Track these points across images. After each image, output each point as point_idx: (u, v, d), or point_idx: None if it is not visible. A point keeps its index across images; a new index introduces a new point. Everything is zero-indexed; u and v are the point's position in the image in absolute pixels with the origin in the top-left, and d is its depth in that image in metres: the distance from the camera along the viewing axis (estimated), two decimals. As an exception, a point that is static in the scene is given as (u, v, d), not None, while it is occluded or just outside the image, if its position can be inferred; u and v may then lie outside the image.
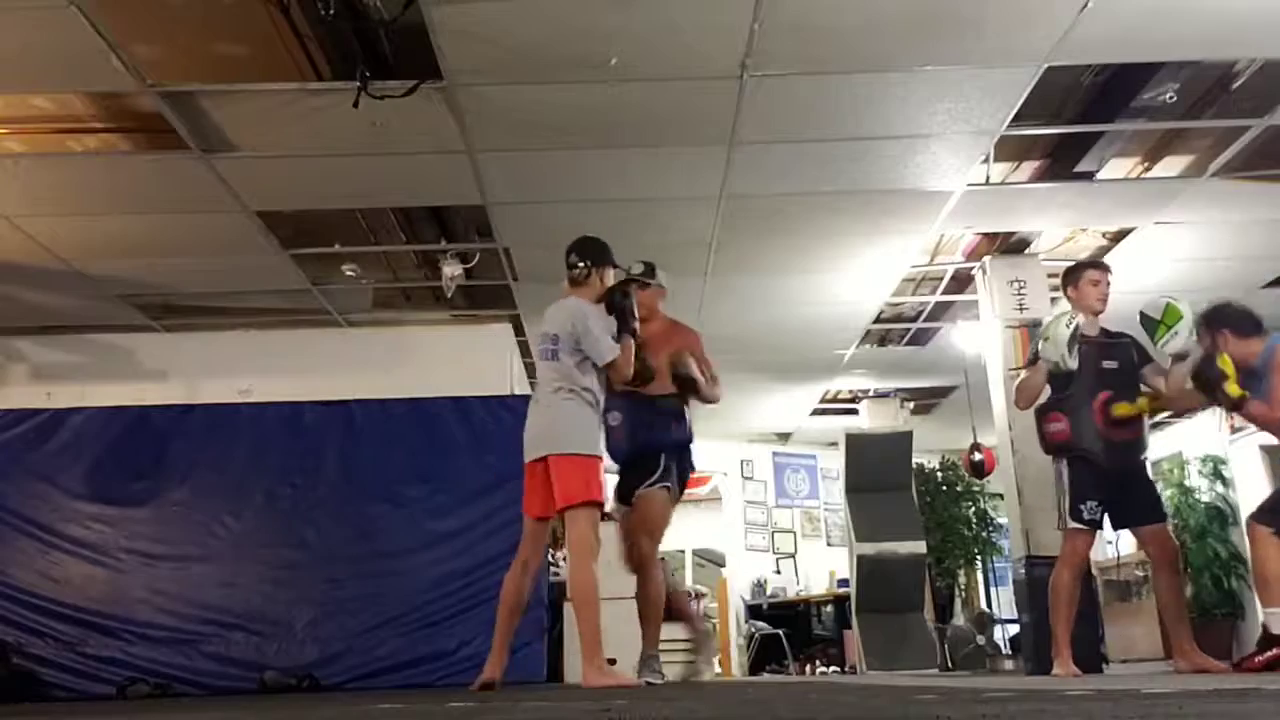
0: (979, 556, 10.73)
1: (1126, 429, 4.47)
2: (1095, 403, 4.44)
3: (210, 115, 4.73)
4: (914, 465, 8.98)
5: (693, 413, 4.54)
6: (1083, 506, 4.47)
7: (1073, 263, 5.05)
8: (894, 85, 4.71)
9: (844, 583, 9.16)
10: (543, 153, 5.20)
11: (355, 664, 6.18)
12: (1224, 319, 4.30)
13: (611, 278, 4.31)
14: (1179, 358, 4.41)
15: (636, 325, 4.15)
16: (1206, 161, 5.55)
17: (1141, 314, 4.50)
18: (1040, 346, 4.58)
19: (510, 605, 4.17)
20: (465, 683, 5.99)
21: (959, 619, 10.17)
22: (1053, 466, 4.64)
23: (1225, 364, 4.19)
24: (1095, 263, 4.97)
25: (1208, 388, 4.26)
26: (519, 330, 7.63)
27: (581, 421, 4.03)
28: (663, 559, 4.77)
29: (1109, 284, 4.71)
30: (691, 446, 4.55)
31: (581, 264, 4.24)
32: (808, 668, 9.13)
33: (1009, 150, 5.46)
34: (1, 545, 6.41)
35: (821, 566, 10.89)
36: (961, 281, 7.28)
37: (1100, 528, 4.57)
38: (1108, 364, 4.52)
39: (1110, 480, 4.49)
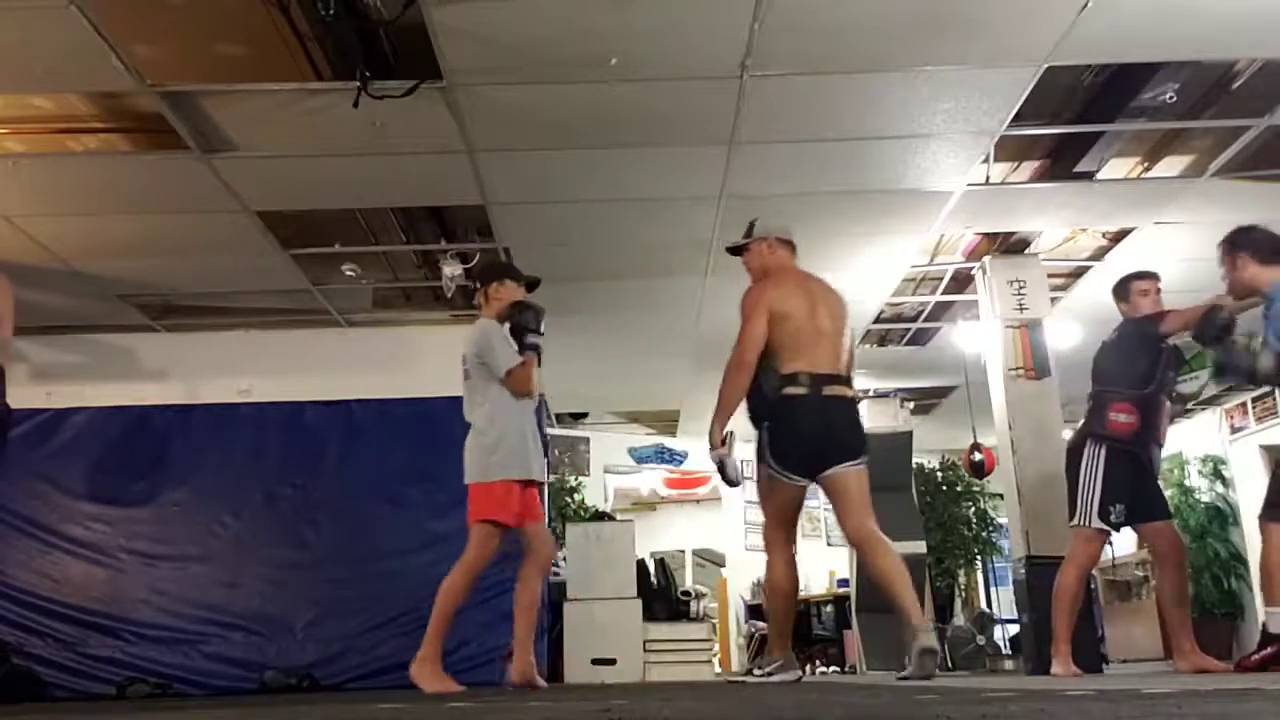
0: (979, 556, 10.74)
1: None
2: (1162, 408, 4.47)
3: (210, 115, 4.73)
4: (914, 465, 8.98)
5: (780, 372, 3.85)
6: (1112, 509, 4.42)
7: (1121, 276, 4.93)
8: (894, 85, 4.71)
9: (844, 583, 9.15)
10: (543, 153, 5.20)
11: (355, 664, 6.18)
12: (1247, 242, 4.14)
13: (510, 289, 4.44)
14: (1182, 398, 4.53)
15: (535, 340, 4.29)
16: (1206, 162, 5.55)
17: (1177, 349, 4.63)
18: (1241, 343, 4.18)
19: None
20: (465, 683, 6.01)
21: (959, 619, 10.17)
22: (1086, 455, 4.52)
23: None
24: (1143, 273, 4.86)
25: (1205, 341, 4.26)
26: (519, 330, 7.63)
27: (474, 453, 4.24)
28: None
29: (1159, 291, 4.70)
30: (782, 410, 3.87)
31: (474, 287, 4.46)
32: (808, 668, 9.12)
33: (1009, 150, 5.46)
34: (2, 545, 6.42)
35: (821, 566, 10.88)
36: (961, 281, 7.28)
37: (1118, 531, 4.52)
38: (1172, 374, 4.55)
39: (1138, 481, 4.47)
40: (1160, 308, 4.66)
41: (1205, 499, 10.03)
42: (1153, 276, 4.80)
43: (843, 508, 3.90)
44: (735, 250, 4.38)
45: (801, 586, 10.82)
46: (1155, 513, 4.56)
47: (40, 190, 5.37)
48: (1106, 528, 4.45)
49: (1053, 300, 7.08)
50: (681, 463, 11.49)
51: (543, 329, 4.35)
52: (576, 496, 10.20)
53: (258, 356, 7.25)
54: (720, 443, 3.97)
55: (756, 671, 3.95)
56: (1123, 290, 4.78)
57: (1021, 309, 6.66)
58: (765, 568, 4.05)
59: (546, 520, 4.67)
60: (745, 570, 10.82)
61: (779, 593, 4.00)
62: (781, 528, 3.99)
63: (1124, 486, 4.43)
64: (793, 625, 4.14)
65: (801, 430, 3.89)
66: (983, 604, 10.87)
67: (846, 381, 3.99)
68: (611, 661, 6.33)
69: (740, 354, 3.95)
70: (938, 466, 10.68)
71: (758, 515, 13.01)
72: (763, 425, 3.95)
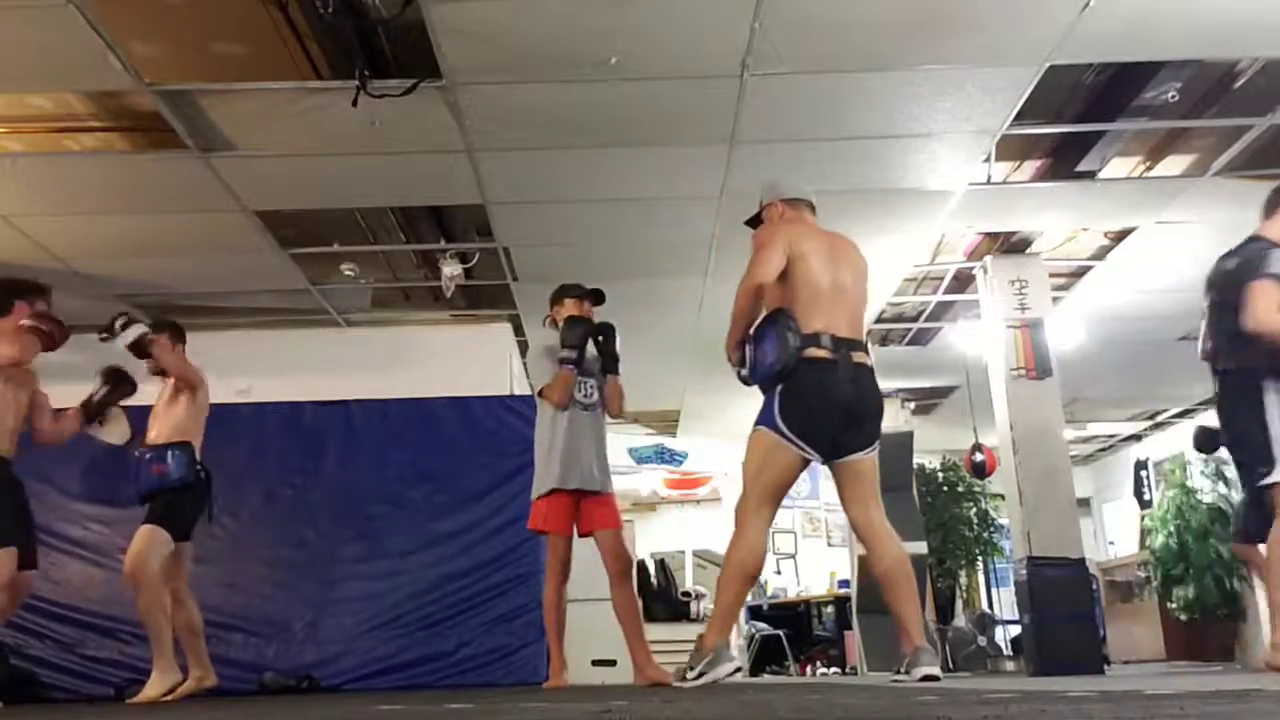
0: (980, 557, 10.73)
1: None
2: None
3: (209, 114, 4.72)
4: (915, 466, 8.96)
5: (781, 332, 3.38)
6: None
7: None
8: (895, 84, 4.70)
9: (844, 583, 9.14)
10: (543, 153, 5.19)
11: (354, 665, 6.16)
12: None
13: (567, 307, 4.59)
14: None
15: (567, 355, 4.39)
16: (1208, 161, 5.54)
17: None
18: None
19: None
20: (464, 684, 6.00)
21: (960, 620, 10.16)
22: (1268, 396, 3.81)
23: None
24: None
25: None
26: (519, 330, 7.63)
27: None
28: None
29: None
30: (804, 374, 3.35)
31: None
32: (808, 669, 9.11)
33: (1010, 149, 5.45)
34: (1, 546, 6.40)
35: (822, 567, 10.88)
36: (963, 281, 7.27)
37: None
38: None
39: None
40: None
41: (1208, 499, 10.01)
42: None
43: (858, 494, 3.47)
44: (751, 222, 3.88)
45: (802, 587, 10.90)
46: None
47: (39, 190, 5.36)
48: None
49: (1054, 300, 7.07)
50: (682, 463, 11.48)
51: (576, 342, 4.42)
52: (577, 497, 10.18)
53: (257, 356, 7.23)
54: (739, 361, 3.56)
55: (689, 675, 3.44)
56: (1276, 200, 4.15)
57: (1023, 309, 6.65)
58: (733, 543, 3.44)
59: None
60: (746, 571, 10.80)
61: (744, 575, 3.44)
62: (768, 504, 3.47)
63: None
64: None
65: (828, 400, 3.33)
66: (984, 605, 10.86)
67: (866, 349, 3.51)
68: (612, 662, 6.32)
69: (750, 281, 3.42)
70: (939, 467, 10.67)
71: (758, 516, 12.72)
72: (775, 387, 3.39)
